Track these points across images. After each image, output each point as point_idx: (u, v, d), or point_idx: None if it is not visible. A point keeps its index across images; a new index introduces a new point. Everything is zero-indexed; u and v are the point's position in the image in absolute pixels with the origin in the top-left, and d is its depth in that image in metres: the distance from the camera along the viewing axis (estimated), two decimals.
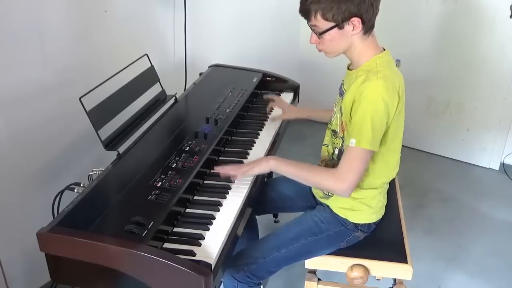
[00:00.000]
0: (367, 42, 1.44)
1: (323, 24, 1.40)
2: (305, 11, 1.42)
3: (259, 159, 1.57)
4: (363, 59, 1.45)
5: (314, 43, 1.48)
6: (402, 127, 1.52)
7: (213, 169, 1.59)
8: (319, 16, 1.39)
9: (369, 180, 1.52)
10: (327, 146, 1.65)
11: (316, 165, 1.58)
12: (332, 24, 1.39)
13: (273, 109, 2.05)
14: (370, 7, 1.37)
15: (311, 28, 1.45)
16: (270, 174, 2.21)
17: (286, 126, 2.03)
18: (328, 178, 1.44)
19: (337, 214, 1.58)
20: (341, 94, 1.54)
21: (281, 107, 2.01)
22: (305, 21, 1.47)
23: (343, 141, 1.53)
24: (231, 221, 1.39)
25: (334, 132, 1.59)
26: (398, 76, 1.44)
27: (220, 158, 1.71)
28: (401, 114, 1.46)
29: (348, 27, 1.39)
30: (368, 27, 1.41)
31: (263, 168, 1.52)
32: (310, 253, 1.60)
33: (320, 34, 1.42)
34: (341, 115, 1.50)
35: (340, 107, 1.51)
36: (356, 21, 1.37)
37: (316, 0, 1.37)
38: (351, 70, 1.51)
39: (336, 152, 1.58)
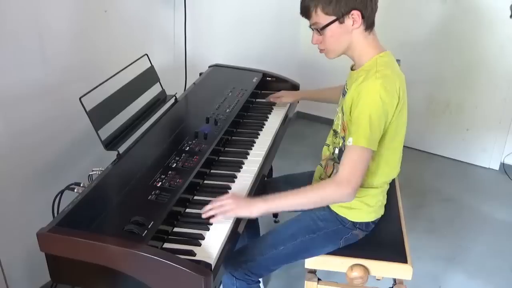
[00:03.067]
0: (368, 40, 1.45)
1: (323, 19, 1.41)
2: (305, 8, 1.43)
3: (246, 201, 1.42)
4: (364, 59, 1.46)
5: (316, 43, 1.48)
6: (403, 128, 1.51)
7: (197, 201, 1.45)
8: (319, 11, 1.40)
9: (369, 179, 1.52)
10: (328, 146, 1.66)
11: (308, 186, 1.46)
12: (333, 18, 1.40)
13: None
14: (369, 2, 1.39)
15: (311, 28, 1.46)
16: (270, 173, 2.21)
17: (286, 126, 2.03)
18: (332, 187, 1.38)
19: (335, 213, 1.58)
20: (344, 94, 1.55)
21: (282, 95, 2.11)
22: (305, 21, 1.47)
23: (343, 141, 1.53)
24: (231, 221, 1.39)
25: (335, 132, 1.60)
26: (398, 77, 1.44)
27: (220, 158, 1.71)
28: (401, 114, 1.46)
29: (348, 21, 1.40)
30: (368, 24, 1.42)
31: (250, 212, 1.39)
32: (308, 251, 1.59)
33: (321, 29, 1.43)
34: (343, 115, 1.51)
35: (342, 107, 1.51)
36: (356, 14, 1.39)
37: None
38: (354, 70, 1.51)
39: (336, 151, 1.58)
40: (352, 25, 1.41)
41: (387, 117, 1.40)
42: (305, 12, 1.44)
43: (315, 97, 2.09)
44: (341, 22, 1.41)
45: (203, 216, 1.38)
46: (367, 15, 1.40)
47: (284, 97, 2.10)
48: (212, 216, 1.37)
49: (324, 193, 1.41)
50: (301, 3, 1.44)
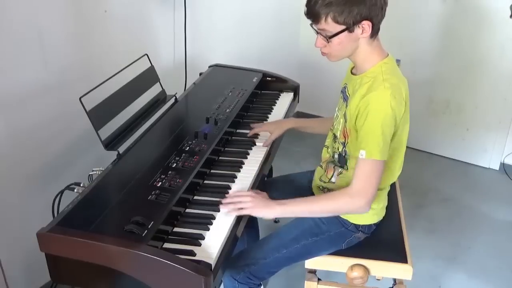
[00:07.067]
0: (373, 46, 1.43)
1: (333, 28, 1.37)
2: (314, 15, 1.38)
3: (264, 203, 1.45)
4: (368, 64, 1.44)
5: (320, 46, 1.44)
6: (406, 131, 1.50)
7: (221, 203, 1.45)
8: (330, 20, 1.36)
9: None
10: (327, 147, 1.65)
11: (322, 194, 1.55)
12: (343, 27, 1.36)
13: (258, 134, 1.86)
14: (380, 10, 1.37)
15: (317, 32, 1.42)
16: (270, 173, 2.21)
17: None
18: (345, 199, 1.42)
19: (337, 215, 1.58)
20: (345, 99, 1.52)
21: (267, 130, 1.84)
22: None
23: (343, 147, 1.52)
24: (231, 221, 1.39)
25: (334, 136, 1.59)
26: (403, 83, 1.43)
27: (220, 158, 1.71)
28: (405, 118, 1.45)
29: (357, 30, 1.37)
30: (375, 31, 1.40)
31: (263, 214, 1.45)
32: (311, 254, 1.59)
33: (330, 37, 1.39)
34: (345, 121, 1.49)
35: (345, 112, 1.49)
36: (366, 24, 1.36)
37: (327, 3, 1.34)
38: (354, 74, 1.50)
39: (336, 156, 1.57)
40: (361, 34, 1.38)
41: (396, 125, 1.40)
42: (314, 18, 1.39)
43: (302, 125, 1.90)
44: (351, 31, 1.37)
45: (222, 207, 1.43)
46: (376, 23, 1.38)
47: (271, 133, 1.81)
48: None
49: (338, 204, 1.44)
50: (310, 7, 1.38)
